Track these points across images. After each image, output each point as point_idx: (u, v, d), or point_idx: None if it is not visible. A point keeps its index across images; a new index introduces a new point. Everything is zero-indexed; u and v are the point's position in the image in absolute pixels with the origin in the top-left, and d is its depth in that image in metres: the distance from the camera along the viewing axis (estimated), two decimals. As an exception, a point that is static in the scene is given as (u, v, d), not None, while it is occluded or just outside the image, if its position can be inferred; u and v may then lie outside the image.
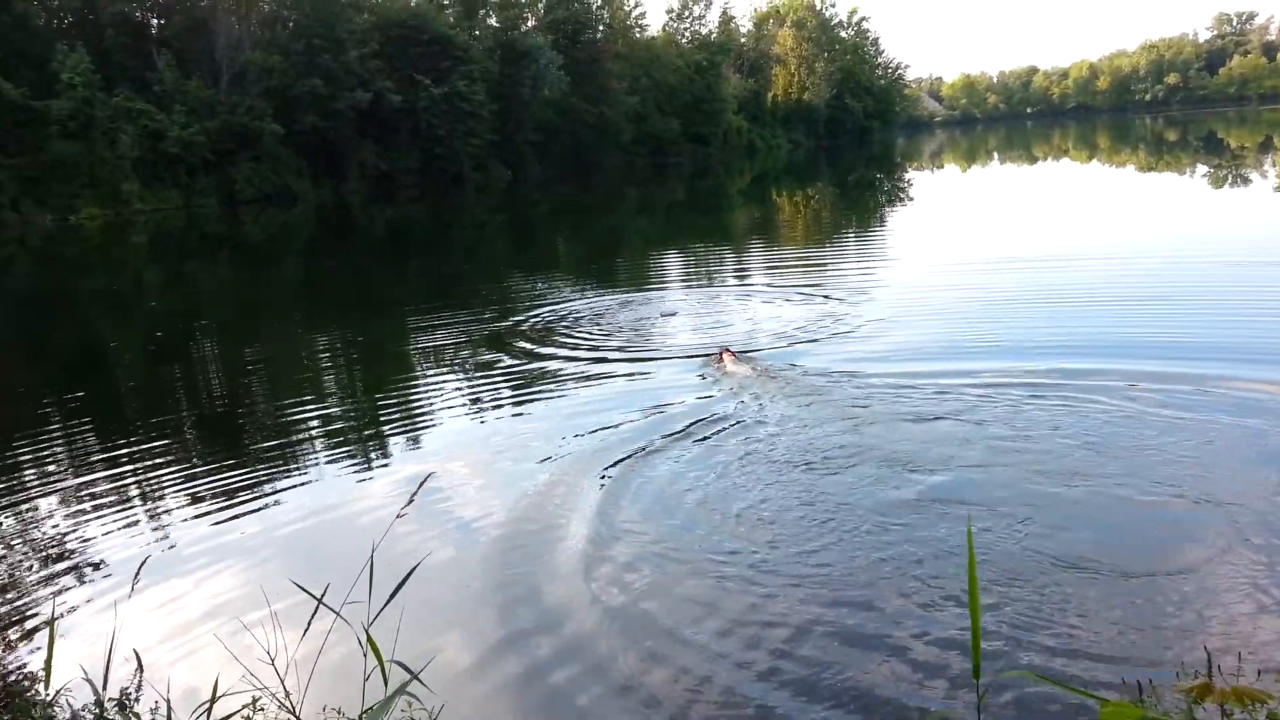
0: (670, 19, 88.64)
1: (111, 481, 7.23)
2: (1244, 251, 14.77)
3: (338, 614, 2.63)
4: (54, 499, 6.97)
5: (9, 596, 5.35)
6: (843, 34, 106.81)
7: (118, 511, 6.56)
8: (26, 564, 5.83)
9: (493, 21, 67.16)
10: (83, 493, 7.02)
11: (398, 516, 3.37)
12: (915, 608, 4.44)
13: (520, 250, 26.34)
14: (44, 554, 5.96)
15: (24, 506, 6.83)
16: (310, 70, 50.05)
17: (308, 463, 7.57)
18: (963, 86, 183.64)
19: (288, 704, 2.87)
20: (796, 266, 17.50)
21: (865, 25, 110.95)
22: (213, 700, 2.73)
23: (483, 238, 30.85)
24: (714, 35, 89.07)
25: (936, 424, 6.99)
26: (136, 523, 6.39)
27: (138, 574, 3.33)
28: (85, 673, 3.17)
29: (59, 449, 8.41)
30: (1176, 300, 11.33)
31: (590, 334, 11.68)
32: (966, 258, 16.69)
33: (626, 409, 8.08)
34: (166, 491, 6.94)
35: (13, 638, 4.85)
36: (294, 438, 8.36)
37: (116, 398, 11.10)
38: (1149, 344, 9.16)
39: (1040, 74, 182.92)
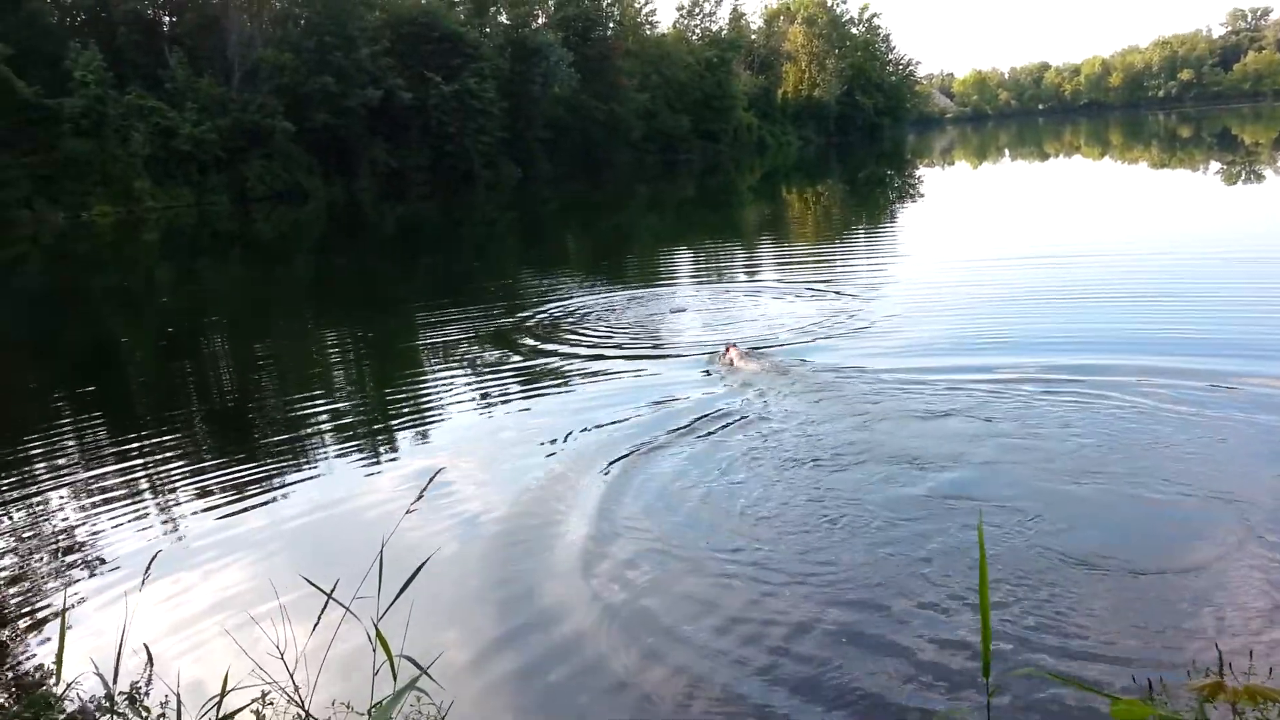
0: (681, 15, 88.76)
1: (122, 476, 7.27)
2: (1258, 248, 14.66)
3: (347, 609, 2.64)
4: (65, 493, 7.01)
5: (22, 589, 5.39)
6: (853, 30, 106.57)
7: (128, 505, 6.59)
8: (38, 557, 5.87)
9: (503, 19, 67.22)
10: (94, 487, 7.06)
11: (407, 512, 3.37)
12: (922, 606, 4.40)
13: (530, 247, 26.36)
14: (55, 547, 6.00)
15: (36, 500, 6.88)
16: (321, 68, 50.18)
17: (317, 457, 7.59)
18: (974, 83, 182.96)
19: (297, 698, 2.87)
20: (807, 263, 17.44)
21: (876, 21, 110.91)
22: (222, 694, 2.74)
23: (493, 235, 30.88)
24: (724, 32, 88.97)
25: (946, 420, 6.94)
26: (147, 517, 6.42)
27: (149, 568, 3.34)
28: (96, 666, 3.19)
29: (70, 444, 8.46)
30: (1189, 297, 11.25)
31: (599, 330, 11.68)
32: (977, 254, 16.61)
33: (635, 404, 8.07)
34: (177, 486, 6.98)
35: (25, 631, 4.89)
36: (303, 433, 8.39)
37: (128, 393, 11.16)
38: (1161, 340, 9.10)
39: (1052, 70, 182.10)
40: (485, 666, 4.26)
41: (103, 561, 5.73)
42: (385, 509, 6.15)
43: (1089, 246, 16.25)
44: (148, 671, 3.86)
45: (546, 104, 64.16)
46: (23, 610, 5.11)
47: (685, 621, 4.45)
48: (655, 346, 10.72)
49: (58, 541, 6.10)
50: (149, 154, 43.79)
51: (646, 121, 72.26)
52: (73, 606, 5.03)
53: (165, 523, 6.32)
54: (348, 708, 3.60)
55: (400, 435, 8.16)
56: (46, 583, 5.48)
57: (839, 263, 17.10)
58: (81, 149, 40.52)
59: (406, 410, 9.02)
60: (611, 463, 6.58)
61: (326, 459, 7.53)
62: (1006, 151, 67.83)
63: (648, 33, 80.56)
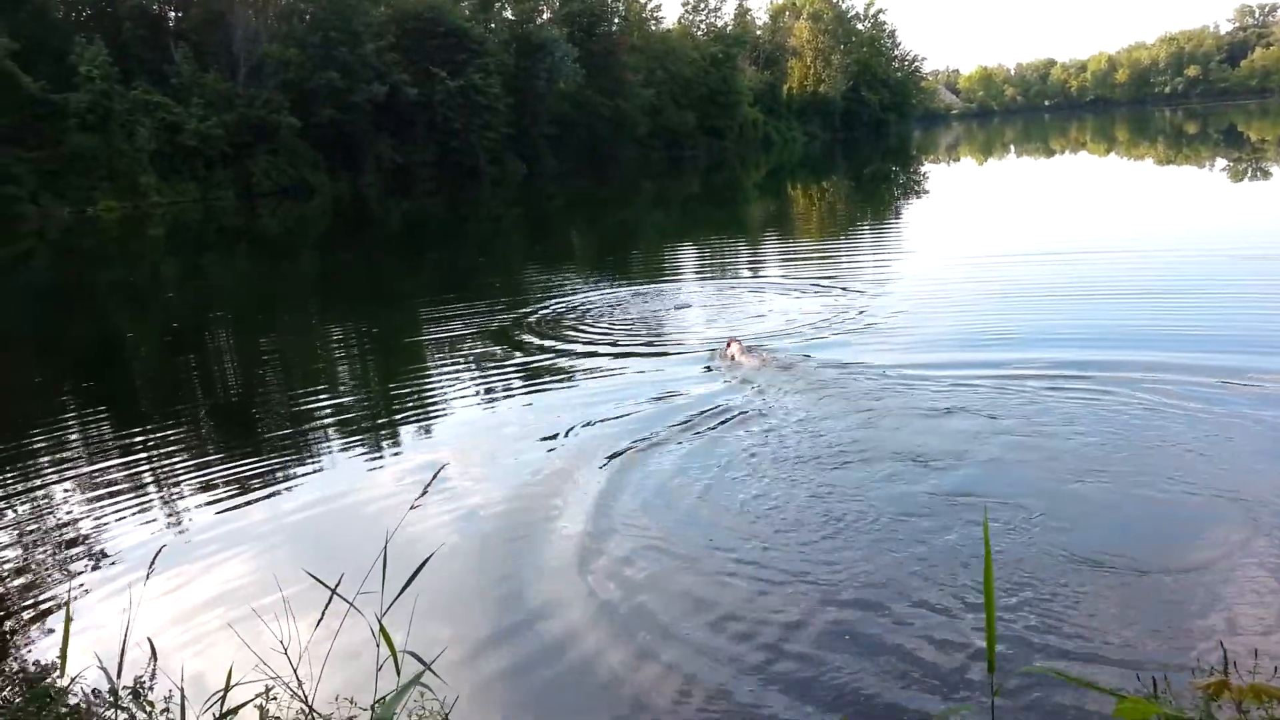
0: (686, 11, 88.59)
1: (127, 470, 7.28)
2: (1265, 245, 14.62)
3: (351, 604, 2.63)
4: (70, 487, 7.03)
5: (26, 583, 5.41)
6: (859, 26, 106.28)
7: (133, 500, 6.61)
8: (43, 551, 5.89)
9: (508, 14, 67.13)
10: (99, 481, 7.07)
11: (412, 507, 3.37)
12: (924, 605, 4.38)
13: (535, 243, 26.37)
14: (60, 541, 6.01)
15: (41, 494, 6.90)
16: (327, 63, 50.20)
17: (321, 452, 7.61)
18: (980, 79, 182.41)
19: (300, 693, 2.87)
20: (812, 259, 17.42)
21: (882, 18, 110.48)
22: (226, 688, 2.74)
23: (498, 231, 30.88)
24: (730, 27, 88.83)
25: (950, 417, 6.91)
26: (151, 511, 6.43)
27: (153, 562, 3.34)
28: (100, 659, 3.19)
29: (75, 438, 8.48)
30: (1196, 293, 11.22)
31: (603, 326, 11.67)
32: (983, 251, 16.57)
33: (637, 400, 8.07)
34: (181, 480, 6.99)
35: (30, 624, 4.90)
36: (308, 427, 8.40)
37: (133, 388, 11.19)
38: (1168, 337, 9.07)
39: (1058, 66, 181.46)
40: (488, 662, 4.26)
41: (107, 555, 5.74)
42: (388, 503, 6.16)
43: (1095, 243, 16.20)
44: (151, 665, 3.86)
45: (552, 100, 64.12)
46: (27, 604, 5.13)
47: (687, 618, 4.44)
48: (659, 342, 10.71)
49: (62, 535, 6.11)
50: (154, 149, 43.85)
51: (652, 117, 72.17)
52: (77, 600, 5.04)
53: (170, 517, 6.34)
54: (351, 703, 3.60)
55: (403, 430, 8.17)
56: (51, 576, 5.50)
57: (844, 259, 17.07)
58: (87, 144, 40.57)
59: (410, 405, 9.02)
60: (612, 458, 6.57)
61: (330, 454, 7.54)
62: (1012, 148, 67.64)
63: (653, 28, 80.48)
